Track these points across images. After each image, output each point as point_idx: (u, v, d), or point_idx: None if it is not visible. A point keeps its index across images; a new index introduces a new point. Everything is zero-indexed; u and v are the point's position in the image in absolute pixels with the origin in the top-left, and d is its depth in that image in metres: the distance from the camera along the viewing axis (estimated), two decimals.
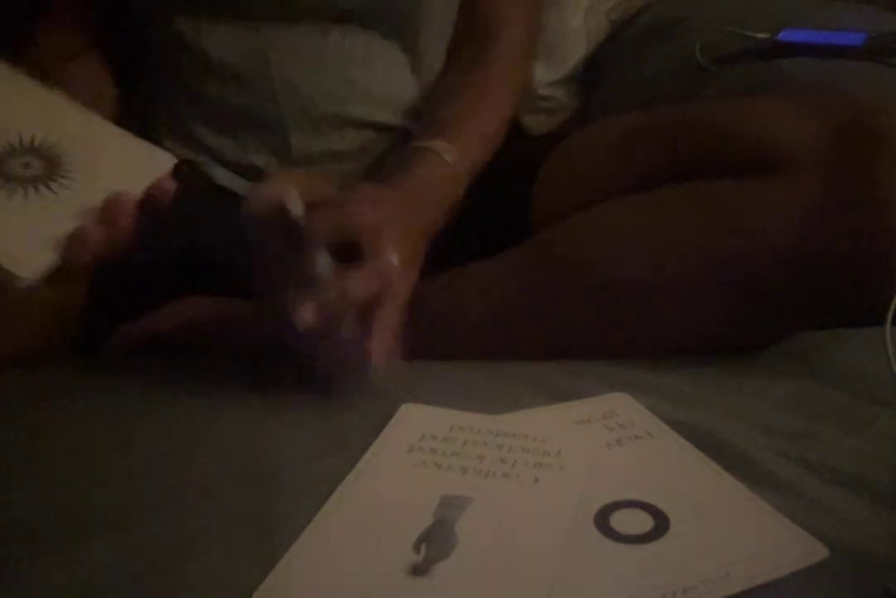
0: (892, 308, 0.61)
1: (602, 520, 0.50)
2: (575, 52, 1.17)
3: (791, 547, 0.48)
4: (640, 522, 0.50)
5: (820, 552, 0.47)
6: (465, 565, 0.46)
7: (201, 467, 0.56)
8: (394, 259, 0.63)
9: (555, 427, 0.60)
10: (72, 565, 0.47)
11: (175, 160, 0.65)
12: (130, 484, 0.55)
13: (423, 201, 0.73)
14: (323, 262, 0.61)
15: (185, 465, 0.56)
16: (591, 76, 1.18)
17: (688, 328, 0.70)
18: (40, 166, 0.62)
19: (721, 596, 0.45)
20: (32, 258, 0.58)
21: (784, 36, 0.98)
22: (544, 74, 1.16)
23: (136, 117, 0.84)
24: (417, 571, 0.46)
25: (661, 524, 0.50)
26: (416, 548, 0.47)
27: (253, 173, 0.88)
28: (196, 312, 0.77)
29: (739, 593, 0.45)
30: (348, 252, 0.63)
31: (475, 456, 0.56)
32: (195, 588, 0.45)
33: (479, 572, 0.46)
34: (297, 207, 0.61)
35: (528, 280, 0.75)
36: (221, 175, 0.88)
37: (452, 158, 0.77)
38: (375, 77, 0.86)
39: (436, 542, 0.48)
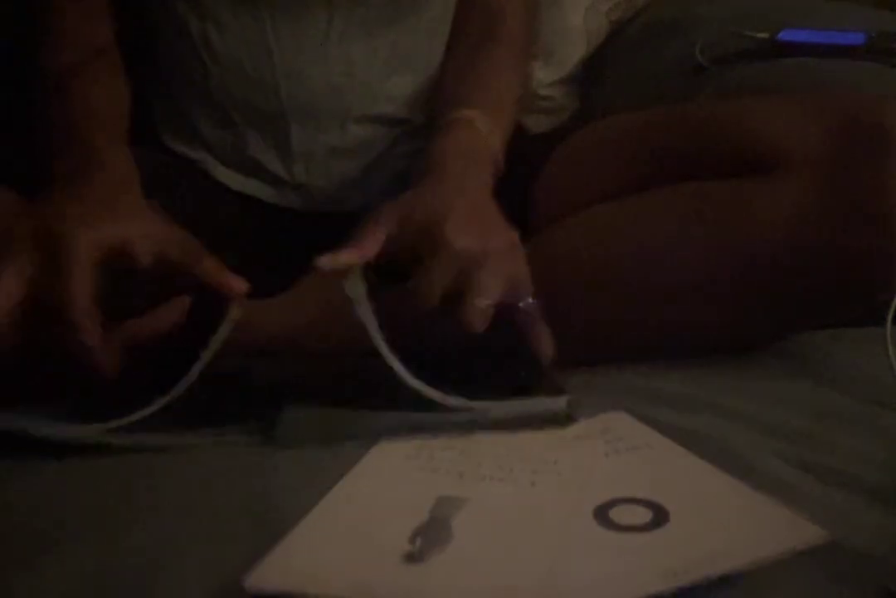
0: (892, 308, 0.61)
1: (601, 514, 0.50)
2: (575, 52, 1.17)
3: (790, 530, 0.48)
4: (639, 514, 0.50)
5: (819, 536, 0.47)
6: (458, 559, 0.46)
7: (201, 464, 0.56)
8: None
9: (552, 440, 0.59)
10: (72, 561, 0.47)
11: None
12: (130, 482, 0.55)
13: (471, 167, 0.72)
14: None
15: (185, 461, 0.56)
16: (591, 76, 1.18)
17: (688, 328, 0.70)
18: None
19: (721, 574, 0.44)
20: None
21: (784, 36, 0.98)
22: (544, 74, 1.16)
23: (138, 111, 0.83)
24: (413, 559, 0.45)
25: (661, 517, 0.49)
26: (412, 541, 0.47)
27: (253, 169, 0.87)
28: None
29: (741, 586, 0.45)
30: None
31: (473, 462, 0.56)
32: (194, 583, 0.45)
33: (472, 567, 0.46)
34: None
35: None
36: (221, 172, 0.88)
37: (485, 129, 0.76)
38: (376, 69, 0.86)
39: (431, 535, 0.47)
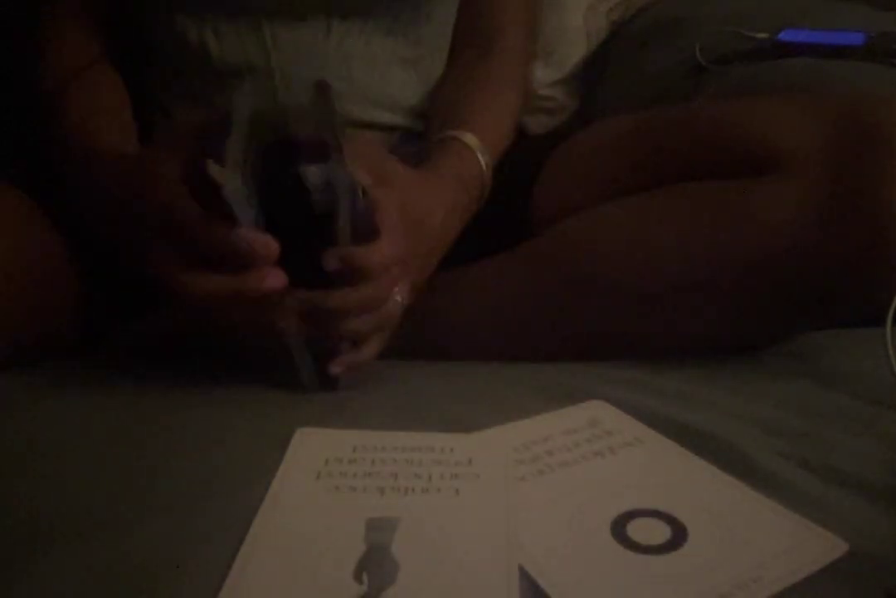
0: (892, 309, 0.61)
1: (619, 531, 0.48)
2: (575, 52, 1.17)
3: (812, 544, 0.47)
4: (657, 531, 0.49)
5: (840, 547, 0.47)
6: (416, 587, 0.44)
7: (203, 462, 0.55)
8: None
9: (536, 434, 0.58)
10: (73, 561, 0.47)
11: None
12: (132, 481, 0.54)
13: (456, 189, 0.75)
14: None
15: (188, 459, 0.55)
16: (591, 76, 1.18)
17: (688, 328, 0.70)
18: None
19: None
20: None
21: (784, 36, 0.98)
22: (544, 74, 1.16)
23: (135, 116, 0.83)
24: None
25: (679, 533, 0.48)
26: (358, 578, 0.44)
27: None
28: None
29: (770, 596, 0.44)
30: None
31: (388, 475, 0.53)
32: (197, 584, 0.45)
33: (434, 591, 0.44)
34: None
35: (527, 281, 0.75)
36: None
37: (478, 150, 0.79)
38: (375, 75, 0.86)
39: (377, 569, 0.44)
